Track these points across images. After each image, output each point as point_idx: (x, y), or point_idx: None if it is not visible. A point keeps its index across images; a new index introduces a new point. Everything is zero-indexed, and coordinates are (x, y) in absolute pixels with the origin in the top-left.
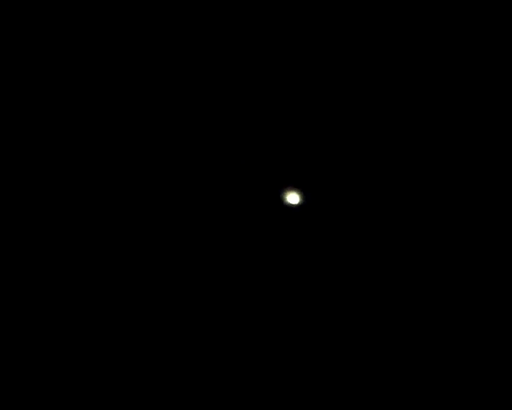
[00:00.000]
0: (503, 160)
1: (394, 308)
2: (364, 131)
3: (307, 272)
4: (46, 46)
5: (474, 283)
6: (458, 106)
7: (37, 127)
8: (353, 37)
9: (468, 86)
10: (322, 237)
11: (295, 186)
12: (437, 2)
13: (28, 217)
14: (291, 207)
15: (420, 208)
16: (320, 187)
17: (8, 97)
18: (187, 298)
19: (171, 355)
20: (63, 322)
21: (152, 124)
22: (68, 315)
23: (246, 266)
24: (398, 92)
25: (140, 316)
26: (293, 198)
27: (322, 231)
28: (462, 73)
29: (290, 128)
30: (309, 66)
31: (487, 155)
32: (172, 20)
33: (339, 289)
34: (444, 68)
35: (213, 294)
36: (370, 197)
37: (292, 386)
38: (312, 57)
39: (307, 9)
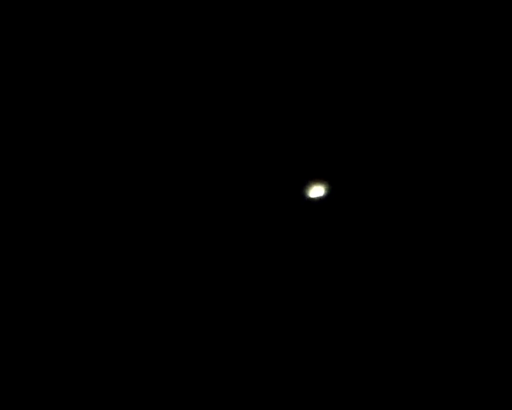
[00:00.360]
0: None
1: (412, 303)
2: (386, 126)
3: (327, 265)
4: (46, 46)
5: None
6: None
7: (38, 128)
8: (377, 30)
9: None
10: (345, 230)
11: (319, 180)
12: (437, 2)
13: (28, 217)
14: (314, 200)
15: (446, 204)
16: (343, 181)
17: (8, 98)
18: (209, 287)
19: (184, 349)
20: (63, 321)
21: (173, 120)
22: (68, 315)
23: (268, 258)
24: (423, 87)
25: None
26: (316, 192)
27: (345, 225)
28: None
29: (314, 122)
30: (332, 62)
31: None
32: (176, 21)
33: (360, 282)
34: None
35: (236, 285)
36: (391, 192)
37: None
38: (339, 53)
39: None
